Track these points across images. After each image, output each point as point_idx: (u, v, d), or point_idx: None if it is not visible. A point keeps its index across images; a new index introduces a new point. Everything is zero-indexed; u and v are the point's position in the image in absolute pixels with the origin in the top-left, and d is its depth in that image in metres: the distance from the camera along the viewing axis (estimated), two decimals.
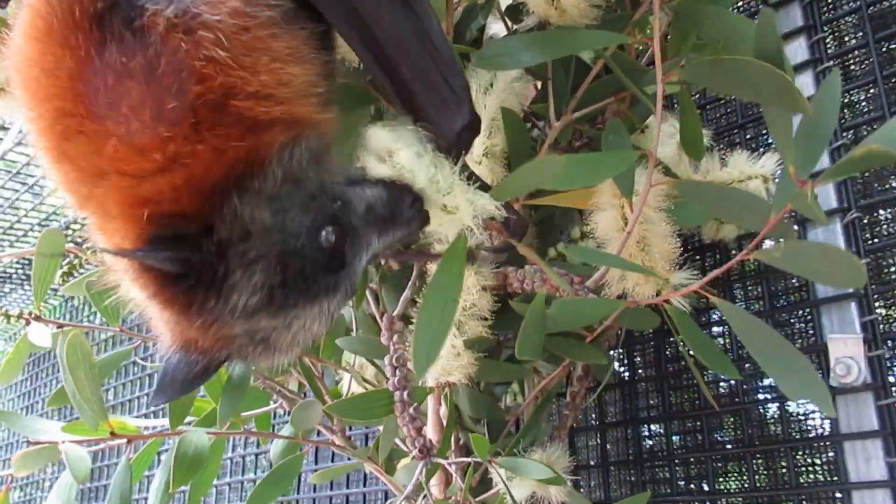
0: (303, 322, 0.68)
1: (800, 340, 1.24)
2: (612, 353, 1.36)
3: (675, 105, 1.05)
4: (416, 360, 0.75)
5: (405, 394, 0.95)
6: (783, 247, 0.73)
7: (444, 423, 1.02)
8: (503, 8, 1.02)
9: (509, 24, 1.04)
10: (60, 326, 1.13)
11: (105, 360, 1.17)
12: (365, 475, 1.85)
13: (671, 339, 1.35)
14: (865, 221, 1.16)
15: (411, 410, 0.95)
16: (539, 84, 1.02)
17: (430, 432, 1.09)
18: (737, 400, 1.27)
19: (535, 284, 0.92)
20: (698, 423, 1.31)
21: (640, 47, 1.00)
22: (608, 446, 1.43)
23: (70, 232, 2.93)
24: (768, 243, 0.86)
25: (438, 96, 0.74)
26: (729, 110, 1.39)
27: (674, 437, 1.37)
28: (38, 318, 1.11)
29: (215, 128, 0.61)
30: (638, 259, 0.90)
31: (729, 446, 1.30)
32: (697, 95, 1.39)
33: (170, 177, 0.61)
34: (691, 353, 1.28)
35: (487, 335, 0.96)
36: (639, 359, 1.44)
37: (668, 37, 0.91)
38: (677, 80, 0.86)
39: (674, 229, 0.90)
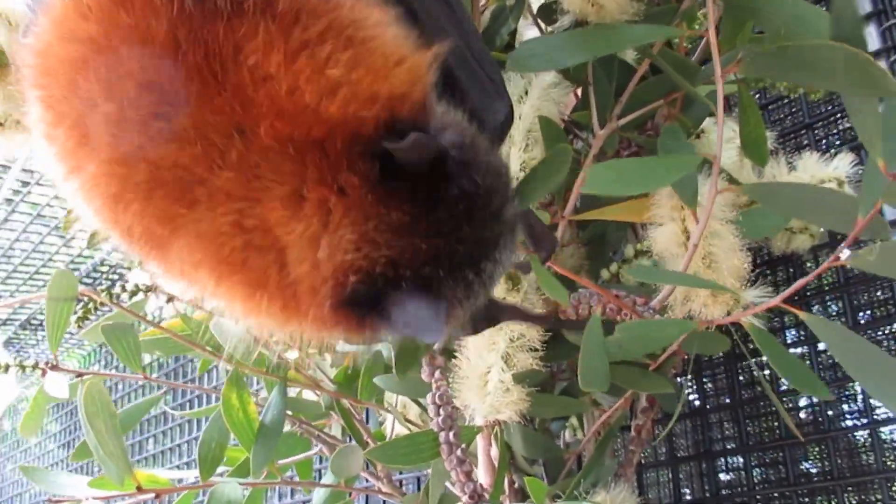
0: None
1: None
2: (679, 380, 1.31)
3: (733, 106, 1.01)
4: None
5: (451, 434, 0.91)
6: (878, 249, 0.68)
7: (497, 465, 0.97)
8: (535, 9, 0.99)
9: (543, 26, 1.00)
10: (80, 375, 1.12)
11: (131, 409, 1.16)
12: None
13: (744, 363, 1.28)
14: None
15: (459, 452, 0.90)
16: (580, 91, 0.98)
17: (482, 475, 1.04)
18: (822, 427, 1.20)
19: (592, 308, 0.87)
20: (780, 454, 1.24)
21: (690, 45, 0.95)
22: (681, 483, 1.37)
23: (98, 274, 2.96)
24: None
25: (479, 85, 0.70)
26: (795, 109, 1.32)
27: (754, 471, 1.29)
28: (54, 368, 1.09)
29: None
30: (705, 277, 0.85)
31: (816, 479, 1.22)
32: (758, 95, 1.32)
33: None
34: (768, 376, 1.23)
35: (538, 367, 0.92)
36: (710, 386, 1.37)
37: (720, 29, 0.87)
38: (737, 77, 0.82)
39: (742, 242, 0.85)
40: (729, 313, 0.84)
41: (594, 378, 0.78)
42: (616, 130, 0.92)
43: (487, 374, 0.91)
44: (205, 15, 0.53)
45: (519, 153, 0.92)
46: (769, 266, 1.26)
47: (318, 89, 0.53)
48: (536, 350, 0.91)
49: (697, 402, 1.36)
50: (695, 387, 1.36)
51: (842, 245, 0.72)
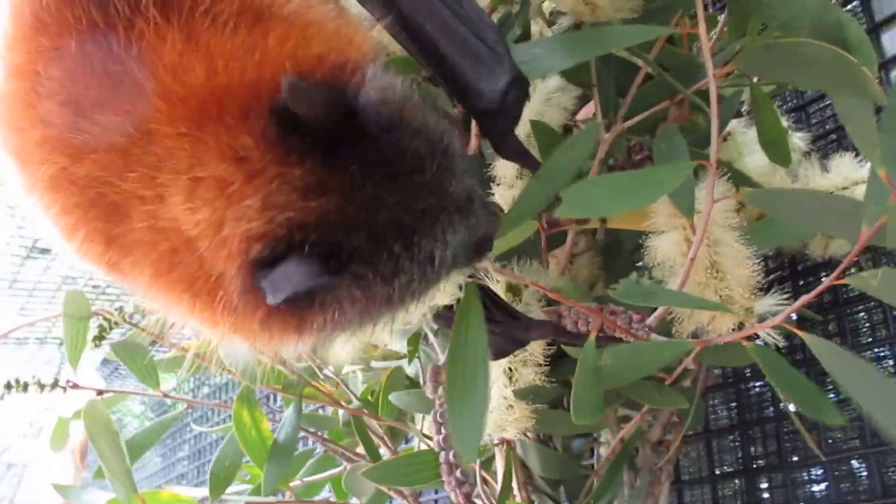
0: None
1: None
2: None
3: None
4: (459, 446, 0.66)
5: (451, 454, 0.88)
6: (881, 274, 0.63)
7: (501, 484, 0.94)
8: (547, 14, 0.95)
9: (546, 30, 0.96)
10: (100, 393, 1.12)
11: (150, 427, 1.16)
12: None
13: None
14: None
15: (458, 473, 0.87)
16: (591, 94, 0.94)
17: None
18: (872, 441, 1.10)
19: (592, 326, 0.83)
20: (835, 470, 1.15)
21: (695, 41, 0.91)
22: (721, 501, 1.28)
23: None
24: None
25: (471, 53, 0.66)
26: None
27: (807, 488, 1.21)
28: (74, 386, 1.10)
29: None
30: (711, 289, 0.80)
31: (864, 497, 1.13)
32: (795, 94, 1.25)
33: None
34: None
35: (544, 383, 0.88)
36: (754, 399, 1.29)
37: (725, 24, 0.83)
38: (732, 73, 0.78)
39: (758, 249, 0.81)
40: (742, 325, 0.80)
41: (585, 409, 0.74)
42: (623, 134, 0.89)
43: (490, 390, 0.88)
44: (107, 21, 0.51)
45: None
46: (809, 272, 1.20)
47: (209, 64, 0.50)
48: (541, 365, 0.88)
49: (737, 417, 1.29)
50: (735, 400, 1.29)
51: (844, 262, 0.68)
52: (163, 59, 0.50)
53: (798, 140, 1.02)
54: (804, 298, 0.71)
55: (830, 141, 1.21)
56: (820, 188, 0.96)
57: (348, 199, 0.49)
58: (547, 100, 0.89)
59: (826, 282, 0.69)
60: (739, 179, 0.93)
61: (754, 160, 0.99)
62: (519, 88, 0.68)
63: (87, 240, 0.54)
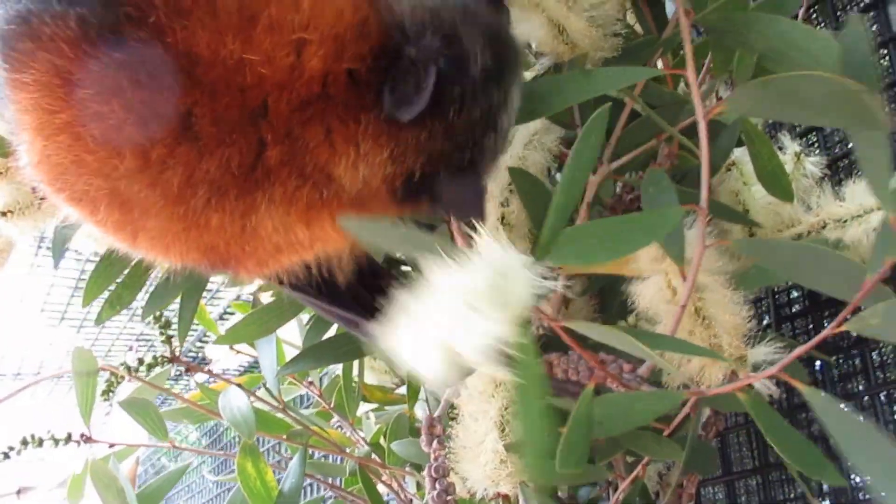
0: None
1: None
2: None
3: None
4: None
5: None
6: (882, 311, 0.58)
7: None
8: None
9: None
10: (112, 445, 1.13)
11: (160, 480, 1.16)
12: None
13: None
14: None
15: None
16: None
17: None
18: None
19: (582, 375, 0.80)
20: None
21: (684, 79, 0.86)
22: None
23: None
24: None
25: None
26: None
27: None
28: (88, 440, 1.10)
29: None
30: (698, 337, 0.76)
31: None
32: None
33: None
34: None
35: None
36: None
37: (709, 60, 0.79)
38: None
39: (740, 295, 0.76)
40: (735, 374, 0.76)
41: (571, 459, 0.71)
42: (611, 175, 0.85)
43: (482, 443, 0.85)
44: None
45: (497, 208, 0.84)
46: (817, 308, 1.14)
47: (294, 54, 0.55)
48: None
49: (759, 458, 1.21)
50: (754, 442, 1.21)
51: (845, 310, 0.63)
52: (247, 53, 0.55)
53: (811, 165, 0.96)
54: (799, 350, 0.65)
55: (848, 164, 1.13)
56: (834, 216, 0.91)
57: (455, 136, 0.60)
58: (528, 142, 0.84)
59: (825, 331, 0.64)
60: (735, 217, 0.89)
61: (761, 190, 0.94)
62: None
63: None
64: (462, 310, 0.54)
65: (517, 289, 0.54)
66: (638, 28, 0.85)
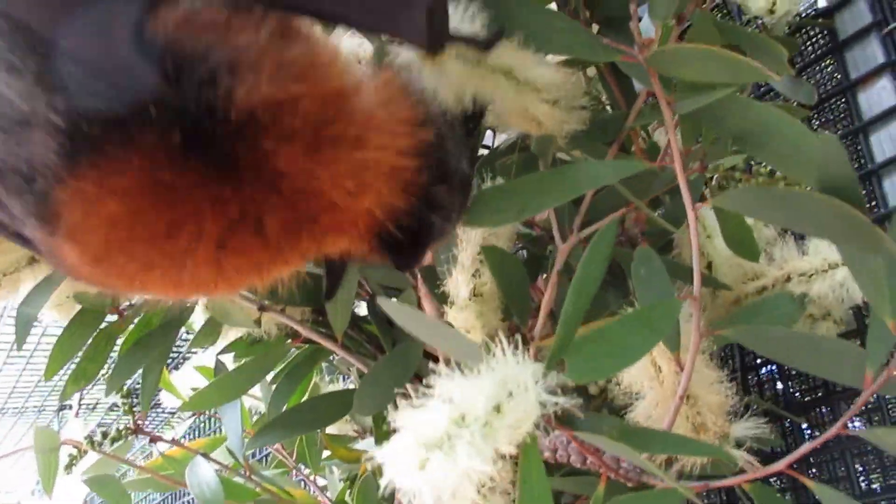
0: None
1: None
2: None
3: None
4: None
5: None
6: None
7: None
8: None
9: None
10: None
11: None
12: None
13: None
14: None
15: None
16: None
17: None
18: None
19: (572, 458, 0.78)
20: None
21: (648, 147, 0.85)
22: None
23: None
24: None
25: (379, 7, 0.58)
26: None
27: None
28: None
29: None
30: (683, 415, 0.74)
31: None
32: None
33: None
34: None
35: None
36: None
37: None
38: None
39: (722, 375, 0.76)
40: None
41: None
42: (581, 243, 0.83)
43: None
44: None
45: (468, 280, 0.81)
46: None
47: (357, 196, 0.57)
48: (510, 493, 0.83)
49: None
50: None
51: (851, 410, 0.63)
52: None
53: None
54: (801, 450, 0.64)
55: None
56: (798, 270, 0.91)
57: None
58: None
59: (829, 432, 0.62)
60: (707, 281, 0.88)
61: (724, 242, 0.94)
62: (437, 12, 0.60)
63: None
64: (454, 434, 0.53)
65: (522, 408, 0.53)
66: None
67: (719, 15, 1.13)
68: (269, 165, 0.55)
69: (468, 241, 0.80)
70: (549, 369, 0.55)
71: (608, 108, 0.81)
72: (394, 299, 0.87)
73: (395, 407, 0.55)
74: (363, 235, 0.61)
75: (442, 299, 0.84)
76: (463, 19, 0.66)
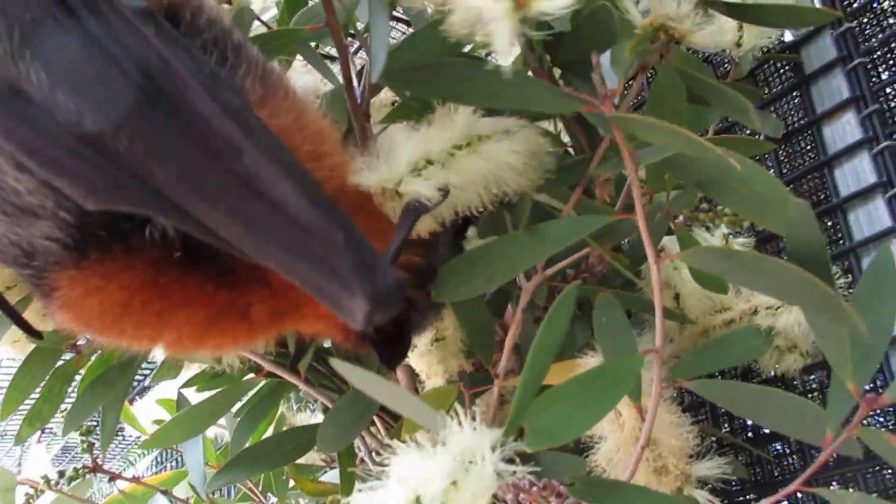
0: None
1: None
2: None
3: None
4: None
5: None
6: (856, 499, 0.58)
7: None
8: None
9: None
10: None
11: None
12: None
13: None
14: None
15: None
16: None
17: None
18: None
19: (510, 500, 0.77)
20: None
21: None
22: None
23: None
24: None
25: (321, 287, 0.54)
26: None
27: None
28: None
29: None
30: (644, 458, 0.75)
31: None
32: None
33: None
34: None
35: None
36: None
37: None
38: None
39: (682, 416, 0.75)
40: (681, 490, 0.75)
41: None
42: (546, 281, 0.83)
43: None
44: None
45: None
46: None
47: None
48: None
49: None
50: None
51: (813, 466, 0.63)
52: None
53: (739, 248, 0.96)
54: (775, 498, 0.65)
55: (777, 247, 1.09)
56: (765, 304, 0.90)
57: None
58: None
59: (792, 486, 0.61)
60: (671, 316, 0.88)
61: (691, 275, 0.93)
62: (386, 304, 0.55)
63: None
64: None
65: (480, 480, 0.52)
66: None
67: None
68: (260, 270, 0.57)
69: None
70: (507, 436, 0.54)
71: (571, 151, 0.80)
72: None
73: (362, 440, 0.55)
74: (345, 332, 0.64)
75: None
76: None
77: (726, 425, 1.12)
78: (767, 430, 1.07)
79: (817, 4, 1.03)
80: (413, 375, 0.84)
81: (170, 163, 0.51)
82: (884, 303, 0.56)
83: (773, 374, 0.98)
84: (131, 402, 1.33)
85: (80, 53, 0.51)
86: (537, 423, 0.56)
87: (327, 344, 1.04)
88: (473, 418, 0.52)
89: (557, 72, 0.75)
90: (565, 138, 0.82)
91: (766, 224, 0.61)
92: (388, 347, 0.69)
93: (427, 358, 0.79)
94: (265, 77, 0.61)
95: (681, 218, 0.82)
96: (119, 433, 2.18)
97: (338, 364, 0.65)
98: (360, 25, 0.91)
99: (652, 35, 0.67)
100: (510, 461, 0.51)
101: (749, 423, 1.10)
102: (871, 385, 0.95)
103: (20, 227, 0.57)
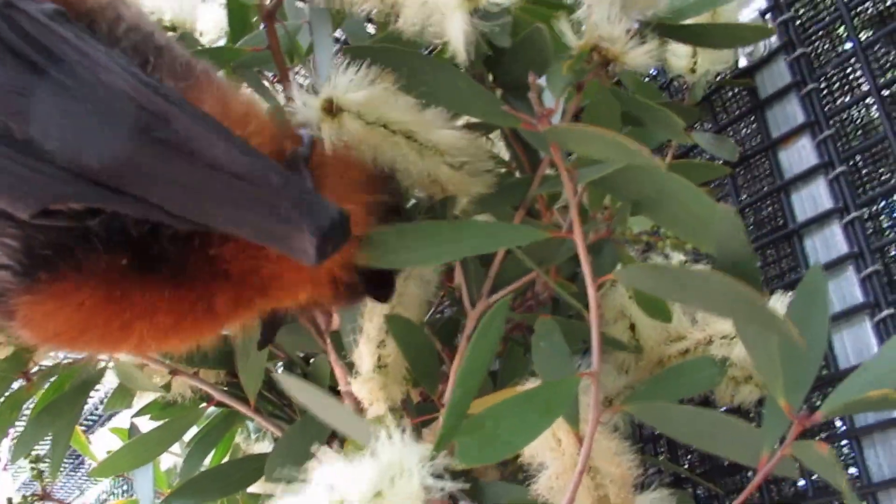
0: None
1: None
2: None
3: None
4: None
5: None
6: None
7: None
8: None
9: None
10: None
11: None
12: None
13: None
14: None
15: None
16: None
17: None
18: None
19: None
20: None
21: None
22: None
23: None
24: None
25: (269, 232, 0.56)
26: None
27: None
28: None
29: None
30: (585, 486, 0.73)
31: None
32: None
33: None
34: None
35: None
36: None
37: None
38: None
39: (625, 444, 0.74)
40: None
41: None
42: (490, 307, 0.82)
43: None
44: None
45: (373, 350, 0.78)
46: None
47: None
48: None
49: None
50: None
51: (751, 485, 0.62)
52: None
53: None
54: None
55: None
56: (720, 333, 0.89)
57: None
58: (406, 276, 0.79)
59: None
60: (620, 346, 0.87)
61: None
62: (336, 234, 0.56)
63: None
64: None
65: (405, 493, 0.51)
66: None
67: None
68: (216, 263, 0.58)
69: (374, 311, 0.78)
70: (437, 451, 0.53)
71: (516, 172, 0.80)
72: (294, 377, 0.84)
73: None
74: (324, 289, 0.63)
75: (350, 367, 0.82)
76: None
77: (686, 458, 1.11)
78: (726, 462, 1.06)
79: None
80: (358, 405, 0.83)
81: (96, 145, 0.51)
82: (816, 319, 0.55)
83: (729, 406, 0.96)
84: (91, 431, 1.31)
85: None
86: (467, 440, 0.56)
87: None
88: (403, 431, 0.52)
89: (498, 92, 0.75)
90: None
91: (696, 240, 0.61)
92: (377, 289, 0.71)
93: (369, 385, 0.78)
94: (188, 69, 0.62)
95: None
96: (81, 463, 2.16)
97: (279, 377, 0.65)
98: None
99: (587, 55, 0.67)
100: (439, 477, 0.51)
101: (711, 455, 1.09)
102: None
103: None
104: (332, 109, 0.64)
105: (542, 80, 0.70)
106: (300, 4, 0.87)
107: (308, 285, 0.62)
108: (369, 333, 0.78)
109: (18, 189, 0.52)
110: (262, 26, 0.80)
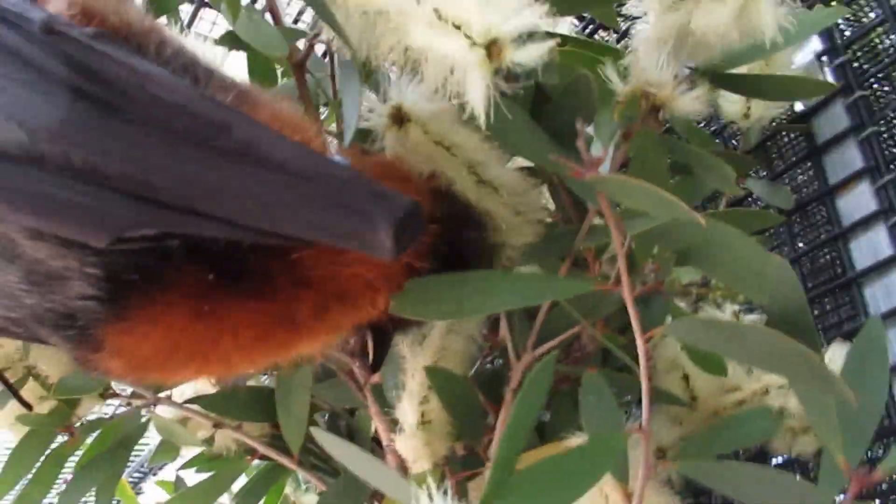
0: None
1: None
2: None
3: None
4: None
5: None
6: None
7: None
8: None
9: None
10: None
11: None
12: None
13: None
14: None
15: None
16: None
17: None
18: None
19: None
20: None
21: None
22: None
23: None
24: None
25: (344, 230, 0.54)
26: None
27: None
28: None
29: None
30: None
31: None
32: None
33: None
34: None
35: None
36: None
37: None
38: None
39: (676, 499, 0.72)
40: None
41: None
42: (537, 360, 0.80)
43: None
44: None
45: (416, 406, 0.76)
46: None
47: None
48: None
49: None
50: None
51: None
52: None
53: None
54: None
55: None
56: (776, 384, 0.87)
57: None
58: (448, 331, 0.77)
59: None
60: (674, 400, 0.85)
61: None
62: (409, 223, 0.54)
63: None
64: None
65: None
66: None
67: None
68: (296, 270, 0.57)
69: (416, 366, 0.77)
70: None
71: (562, 222, 0.78)
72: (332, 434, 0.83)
73: None
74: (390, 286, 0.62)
75: (394, 422, 0.81)
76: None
77: None
78: None
79: (828, 75, 1.01)
80: (402, 460, 0.81)
81: (161, 164, 0.51)
82: (875, 371, 0.52)
83: (786, 457, 0.93)
84: (139, 484, 1.31)
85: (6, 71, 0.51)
86: (511, 501, 0.54)
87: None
88: (446, 492, 0.50)
89: None
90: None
91: (748, 292, 0.59)
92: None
93: (412, 442, 0.76)
94: (236, 85, 0.62)
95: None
96: None
97: (317, 432, 0.64)
98: None
99: (636, 101, 0.66)
100: None
101: None
102: None
103: (53, 293, 0.56)
104: (399, 117, 0.64)
105: (590, 129, 0.69)
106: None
107: (386, 284, 0.61)
108: (412, 389, 0.76)
109: (90, 220, 0.51)
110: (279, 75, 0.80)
